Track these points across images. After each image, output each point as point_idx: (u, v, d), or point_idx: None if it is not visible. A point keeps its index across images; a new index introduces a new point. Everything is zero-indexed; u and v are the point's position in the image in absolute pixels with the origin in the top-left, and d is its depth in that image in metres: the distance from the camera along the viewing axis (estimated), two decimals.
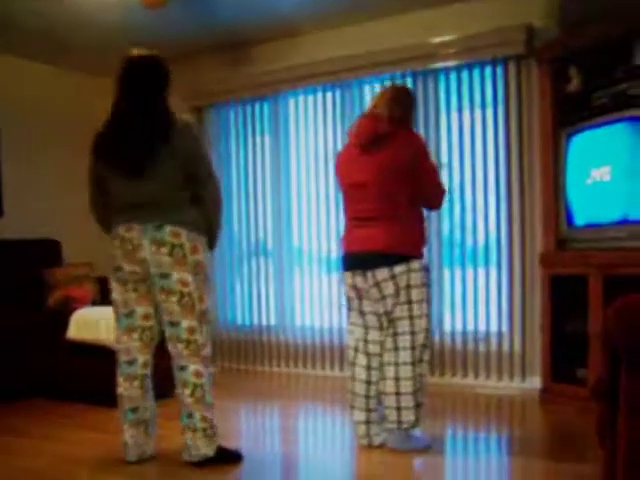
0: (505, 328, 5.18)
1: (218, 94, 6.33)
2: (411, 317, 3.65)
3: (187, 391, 3.45)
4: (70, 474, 3.46)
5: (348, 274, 3.76)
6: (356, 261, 3.70)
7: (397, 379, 3.65)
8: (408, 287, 3.61)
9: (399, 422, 3.65)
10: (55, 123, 6.57)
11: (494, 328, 5.23)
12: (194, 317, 3.44)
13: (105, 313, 4.94)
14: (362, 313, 3.79)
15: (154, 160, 3.36)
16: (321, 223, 5.96)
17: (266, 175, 6.23)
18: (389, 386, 3.67)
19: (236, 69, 6.31)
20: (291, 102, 6.11)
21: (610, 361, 2.22)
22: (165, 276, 3.39)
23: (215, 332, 6.35)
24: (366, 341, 3.79)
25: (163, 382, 3.99)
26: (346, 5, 5.36)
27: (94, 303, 5.59)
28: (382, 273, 3.59)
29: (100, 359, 4.82)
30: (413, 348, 3.66)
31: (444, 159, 5.38)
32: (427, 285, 3.72)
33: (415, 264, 3.63)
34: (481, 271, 5.30)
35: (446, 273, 5.42)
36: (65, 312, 5.26)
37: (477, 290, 5.30)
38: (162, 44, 6.10)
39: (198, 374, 3.45)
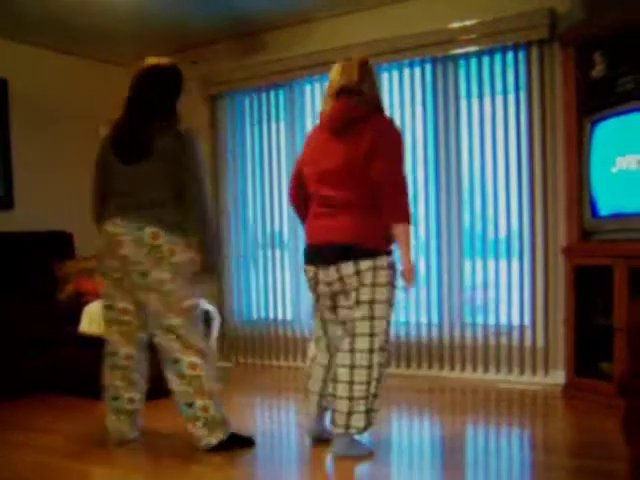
0: (527, 321, 5.06)
1: (233, 82, 6.25)
2: (372, 318, 3.43)
3: (184, 382, 3.54)
4: (80, 470, 3.42)
5: (310, 267, 3.58)
6: (319, 254, 3.51)
7: (351, 382, 3.41)
8: (373, 285, 3.40)
9: (347, 427, 3.42)
10: (67, 114, 6.51)
11: (516, 321, 5.12)
12: (179, 314, 3.52)
13: None
14: (325, 308, 3.64)
15: (147, 156, 3.52)
16: None
17: (281, 164, 6.13)
18: (341, 390, 3.44)
19: (251, 57, 6.22)
20: (307, 89, 6.01)
21: (636, 355, 2.11)
22: (144, 274, 3.50)
23: (230, 327, 6.30)
24: (325, 336, 3.68)
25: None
26: None
27: None
28: (347, 268, 3.39)
29: None
30: (371, 351, 3.43)
31: (464, 147, 5.26)
32: (392, 285, 3.49)
33: (382, 261, 3.42)
34: (503, 263, 5.17)
35: (467, 265, 5.30)
36: (75, 305, 5.21)
37: (499, 282, 5.17)
38: (176, 33, 6.08)
39: (193, 366, 3.53)
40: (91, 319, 4.96)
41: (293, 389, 5.26)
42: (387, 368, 3.64)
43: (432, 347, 5.43)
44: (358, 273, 3.38)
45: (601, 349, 4.36)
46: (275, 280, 6.22)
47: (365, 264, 3.38)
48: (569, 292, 4.63)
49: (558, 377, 4.86)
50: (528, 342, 5.05)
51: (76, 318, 5.05)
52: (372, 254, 3.39)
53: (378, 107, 3.57)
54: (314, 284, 3.59)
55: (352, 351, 3.44)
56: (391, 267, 3.47)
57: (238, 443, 3.65)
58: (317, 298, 3.67)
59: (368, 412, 3.43)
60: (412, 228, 3.54)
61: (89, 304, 5.12)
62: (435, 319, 5.42)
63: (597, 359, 4.45)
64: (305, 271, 3.65)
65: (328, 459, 3.50)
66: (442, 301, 5.38)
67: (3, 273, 5.45)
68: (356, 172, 3.39)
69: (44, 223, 6.06)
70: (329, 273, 3.46)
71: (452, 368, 5.34)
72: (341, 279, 3.43)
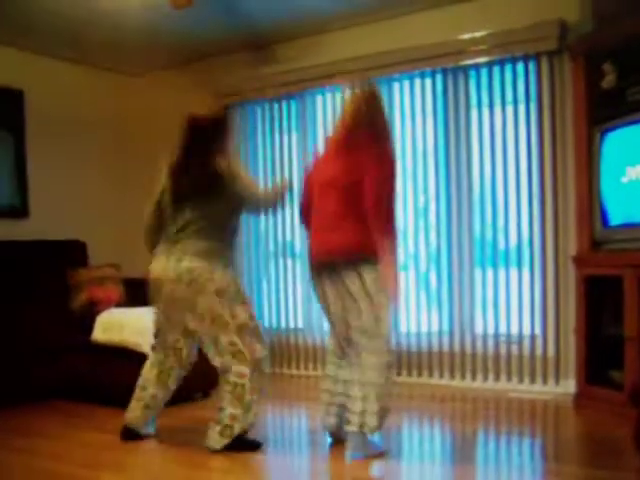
0: (538, 330, 5.06)
1: (245, 92, 6.29)
2: (378, 320, 3.58)
3: (228, 388, 3.71)
4: (90, 477, 3.43)
5: (316, 280, 3.75)
6: (323, 266, 3.66)
7: (363, 383, 3.54)
8: (378, 291, 3.56)
9: (361, 425, 3.52)
10: (81, 124, 6.57)
11: (527, 330, 5.11)
12: (232, 332, 3.71)
13: (131, 315, 4.92)
14: (330, 316, 3.78)
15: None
16: None
17: (293, 174, 6.15)
18: (354, 390, 3.58)
19: (263, 68, 6.26)
20: (318, 100, 6.04)
21: None
22: (191, 306, 3.72)
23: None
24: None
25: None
26: (374, 2, 5.29)
27: (119, 305, 5.56)
28: (349, 276, 3.55)
29: (125, 362, 4.80)
30: (380, 351, 3.57)
31: (475, 157, 5.28)
32: (382, 294, 3.60)
33: (369, 271, 3.56)
34: (513, 272, 5.18)
35: (478, 274, 5.31)
36: (88, 314, 5.25)
37: (509, 291, 5.18)
38: (189, 43, 6.13)
39: (241, 375, 3.69)
40: (104, 327, 5.00)
41: (304, 397, 5.27)
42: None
43: (443, 356, 5.43)
44: (360, 276, 3.53)
45: (612, 358, 4.36)
46: (287, 289, 6.24)
47: (367, 270, 3.53)
48: (579, 301, 4.63)
49: (569, 386, 4.85)
50: (539, 351, 5.05)
51: (89, 326, 5.09)
52: (374, 261, 3.53)
53: (382, 134, 3.70)
54: (321, 295, 3.75)
55: (363, 352, 3.57)
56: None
57: (243, 446, 3.74)
58: (324, 306, 3.79)
59: (381, 411, 3.52)
60: (394, 245, 3.65)
61: (102, 312, 5.16)
62: (446, 328, 5.43)
63: (608, 368, 4.44)
64: (310, 284, 3.85)
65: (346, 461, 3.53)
66: (453, 310, 5.39)
67: (17, 281, 5.49)
68: (353, 190, 3.54)
69: (58, 232, 6.11)
70: (335, 284, 3.63)
71: (463, 377, 5.34)
72: (346, 288, 3.58)
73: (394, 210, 3.65)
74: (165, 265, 3.75)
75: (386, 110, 3.82)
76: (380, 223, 3.51)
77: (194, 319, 3.76)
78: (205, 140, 3.88)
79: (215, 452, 3.68)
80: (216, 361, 3.76)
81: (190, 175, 3.81)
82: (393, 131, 4.17)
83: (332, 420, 3.80)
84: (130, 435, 4.01)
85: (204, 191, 3.76)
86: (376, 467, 3.49)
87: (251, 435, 3.82)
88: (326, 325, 4.04)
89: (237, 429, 3.69)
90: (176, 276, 3.70)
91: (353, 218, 3.55)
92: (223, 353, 3.72)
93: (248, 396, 3.69)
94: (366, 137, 3.60)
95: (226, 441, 3.69)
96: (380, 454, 3.62)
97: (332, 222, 3.60)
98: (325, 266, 3.64)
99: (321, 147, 3.94)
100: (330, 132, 3.84)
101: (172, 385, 4.05)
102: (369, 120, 3.64)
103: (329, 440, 3.89)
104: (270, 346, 6.13)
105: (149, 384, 4.01)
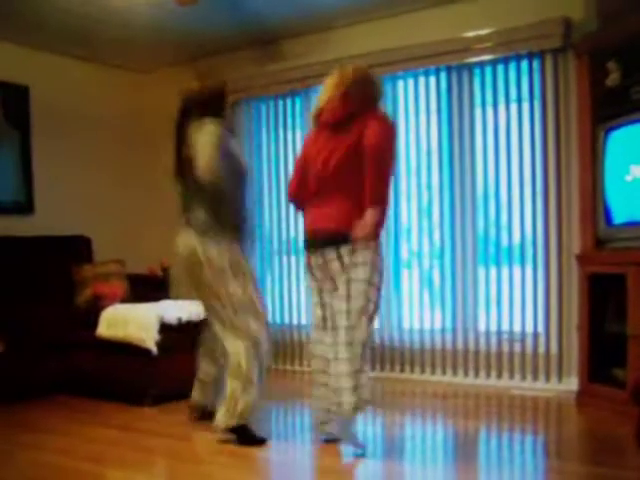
0: (541, 328, 5.07)
1: (251, 89, 6.30)
2: (349, 297, 3.55)
3: (228, 364, 3.82)
4: (94, 472, 3.46)
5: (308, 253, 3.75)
6: (314, 240, 3.67)
7: (336, 360, 3.55)
8: (348, 281, 3.55)
9: (339, 404, 3.53)
10: (86, 120, 6.59)
11: (529, 328, 5.12)
12: (229, 308, 3.78)
13: (135, 311, 4.93)
14: (321, 293, 3.75)
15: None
16: None
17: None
18: (331, 368, 3.61)
19: (268, 64, 6.27)
20: None
21: None
22: (198, 283, 3.87)
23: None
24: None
25: None
26: None
27: (124, 300, 5.58)
28: (330, 252, 3.56)
29: (129, 357, 4.83)
30: (351, 328, 3.54)
31: (479, 155, 5.29)
32: (369, 282, 3.58)
33: (362, 257, 3.54)
34: (516, 270, 5.19)
35: (481, 271, 5.33)
36: (93, 309, 5.27)
37: (512, 289, 5.19)
38: (196, 40, 6.13)
39: (237, 351, 3.76)
40: (108, 323, 5.01)
41: (307, 394, 5.28)
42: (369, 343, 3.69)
43: (446, 353, 5.44)
44: (340, 257, 3.54)
45: (614, 356, 4.36)
46: (290, 285, 6.26)
47: (345, 248, 3.52)
48: (583, 299, 4.63)
49: (571, 384, 4.86)
50: (541, 349, 5.06)
51: (94, 322, 5.10)
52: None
53: (370, 103, 3.68)
54: (312, 270, 3.75)
55: (335, 329, 3.62)
56: (373, 264, 3.57)
57: (248, 439, 3.78)
58: (314, 280, 3.77)
59: (356, 388, 3.50)
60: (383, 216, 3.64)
61: (106, 308, 5.18)
62: (449, 325, 5.44)
63: (610, 366, 4.44)
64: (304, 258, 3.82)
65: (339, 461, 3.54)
66: (456, 307, 5.40)
67: (23, 277, 5.51)
68: (344, 157, 3.54)
69: (63, 228, 6.12)
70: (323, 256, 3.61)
71: (466, 374, 5.35)
72: (325, 263, 3.60)
73: (391, 172, 3.65)
74: (180, 242, 3.88)
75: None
76: (378, 168, 3.48)
77: (202, 295, 3.90)
78: (191, 111, 3.93)
79: (222, 431, 3.75)
80: (220, 337, 3.87)
81: (180, 147, 3.88)
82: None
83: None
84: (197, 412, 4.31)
85: (189, 163, 3.78)
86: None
87: (255, 429, 3.84)
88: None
89: (241, 404, 3.71)
90: (186, 254, 3.83)
91: (347, 195, 3.55)
92: (224, 329, 3.83)
93: (246, 371, 3.73)
94: (352, 107, 3.59)
95: (228, 421, 3.72)
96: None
97: (328, 199, 3.62)
98: (320, 243, 3.64)
99: (311, 130, 3.91)
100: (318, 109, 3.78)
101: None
102: (362, 89, 3.65)
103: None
104: (275, 342, 6.23)
105: (202, 361, 4.28)
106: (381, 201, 3.55)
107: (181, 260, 3.88)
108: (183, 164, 3.85)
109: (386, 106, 5.52)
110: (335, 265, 3.56)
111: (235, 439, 3.76)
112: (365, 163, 3.47)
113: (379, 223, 3.57)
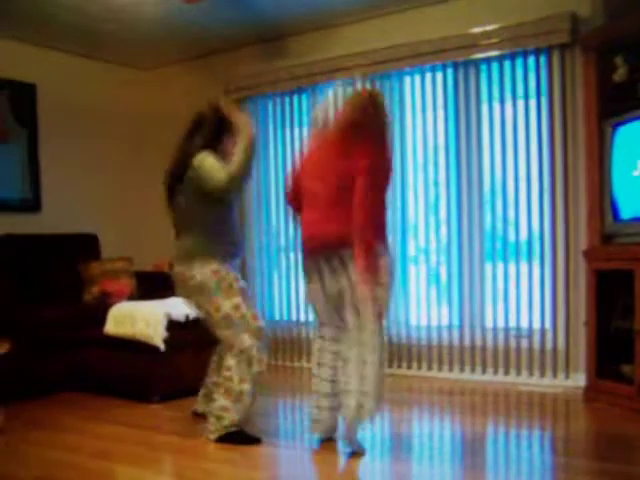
0: (548, 324, 5.07)
1: (256, 86, 6.31)
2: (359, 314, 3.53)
3: (220, 379, 3.85)
4: (102, 469, 3.48)
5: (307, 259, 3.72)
6: (314, 245, 3.64)
7: (345, 365, 3.55)
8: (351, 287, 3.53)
9: (347, 407, 3.51)
10: (93, 118, 6.61)
11: (537, 324, 5.12)
12: (219, 324, 3.84)
13: (142, 308, 4.94)
14: (325, 296, 3.70)
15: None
16: None
17: None
18: (339, 374, 3.61)
19: (274, 61, 6.27)
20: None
21: None
22: (190, 303, 4.04)
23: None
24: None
25: None
26: None
27: (131, 298, 5.60)
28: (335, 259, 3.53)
29: (137, 354, 4.84)
30: (364, 344, 3.52)
31: (486, 151, 5.28)
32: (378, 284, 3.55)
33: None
34: (524, 266, 5.18)
35: (488, 268, 5.32)
36: (101, 307, 5.28)
37: (519, 285, 5.18)
38: (201, 38, 6.14)
39: (227, 366, 3.79)
40: (116, 320, 5.02)
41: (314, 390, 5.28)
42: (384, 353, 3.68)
43: (453, 350, 5.44)
44: (342, 263, 3.50)
45: (622, 352, 4.35)
46: (297, 282, 6.26)
47: (347, 254, 3.47)
48: (590, 295, 4.62)
49: (579, 380, 4.85)
50: (549, 345, 5.06)
51: (101, 319, 5.12)
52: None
53: (377, 131, 3.67)
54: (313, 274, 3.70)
55: (346, 332, 3.60)
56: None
57: (241, 440, 3.77)
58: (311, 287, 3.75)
59: (362, 394, 3.48)
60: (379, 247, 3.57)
61: (114, 305, 5.19)
62: (456, 322, 5.44)
63: (618, 362, 4.44)
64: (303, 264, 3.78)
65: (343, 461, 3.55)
66: (463, 304, 5.40)
67: (30, 275, 5.53)
68: (346, 187, 3.49)
69: (70, 225, 6.15)
70: (330, 263, 3.57)
71: (473, 371, 5.35)
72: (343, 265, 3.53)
73: (383, 208, 3.61)
74: (173, 270, 4.00)
75: (387, 114, 3.78)
76: (361, 214, 3.44)
77: (199, 313, 4.02)
78: (187, 136, 3.95)
79: (214, 442, 3.77)
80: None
81: (168, 173, 3.93)
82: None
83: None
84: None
85: (174, 187, 3.88)
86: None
87: (256, 426, 3.88)
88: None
89: (227, 420, 3.74)
90: (176, 278, 3.96)
91: (344, 208, 3.50)
92: (219, 345, 4.05)
93: (236, 387, 3.74)
94: (363, 136, 3.57)
95: (218, 433, 3.76)
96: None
97: (324, 211, 3.58)
98: (319, 253, 3.61)
99: (313, 140, 3.92)
100: (325, 125, 3.82)
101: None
102: (367, 120, 3.62)
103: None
104: (279, 339, 6.25)
105: (211, 373, 4.33)
106: (367, 246, 3.44)
107: (175, 283, 3.99)
108: (174, 186, 3.89)
109: (392, 103, 5.55)
110: (338, 270, 3.54)
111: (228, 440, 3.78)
112: (353, 204, 3.46)
113: (375, 236, 3.51)
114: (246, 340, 3.78)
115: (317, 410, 3.75)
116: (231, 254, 3.92)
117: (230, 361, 3.78)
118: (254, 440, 3.80)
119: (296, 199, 3.85)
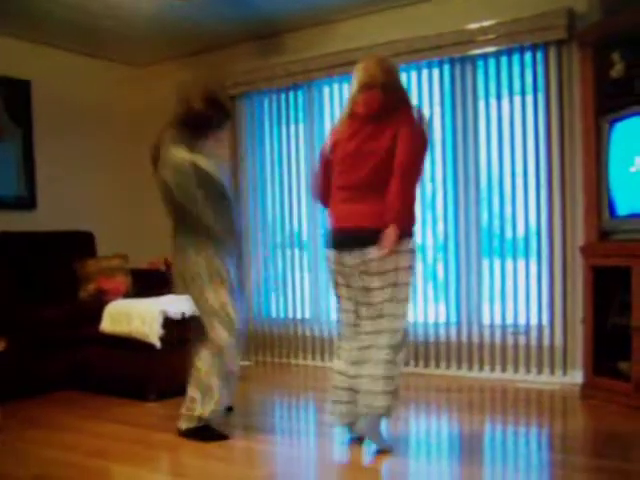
0: (545, 321, 5.06)
1: (252, 83, 6.29)
2: (395, 300, 3.53)
3: (194, 371, 3.85)
4: (99, 467, 3.47)
5: (332, 251, 3.64)
6: (345, 238, 3.56)
7: (376, 361, 3.51)
8: (396, 269, 3.48)
9: (370, 406, 3.49)
10: (88, 115, 6.58)
11: (534, 321, 5.11)
12: (204, 315, 3.85)
13: (139, 306, 4.93)
14: (348, 294, 3.67)
15: None
16: None
17: (300, 164, 6.16)
18: (365, 369, 3.55)
19: (270, 58, 6.26)
20: (325, 90, 6.04)
21: None
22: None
23: (248, 325, 6.32)
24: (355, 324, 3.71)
25: None
26: None
27: (127, 295, 5.58)
28: (370, 252, 3.45)
29: (133, 352, 4.83)
30: (394, 331, 3.54)
31: (483, 147, 5.27)
32: (412, 268, 3.59)
33: (404, 245, 3.48)
34: (521, 262, 5.17)
35: (485, 264, 5.31)
36: (97, 304, 5.26)
37: (517, 282, 5.18)
38: (196, 35, 6.12)
39: (202, 358, 3.82)
40: (112, 318, 5.01)
41: (311, 387, 5.29)
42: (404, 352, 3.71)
43: (450, 346, 5.44)
44: (381, 257, 3.43)
45: (619, 349, 4.35)
46: (294, 279, 6.25)
47: (376, 249, 3.43)
48: (587, 292, 4.62)
49: (576, 377, 4.85)
50: (546, 342, 5.05)
51: (97, 317, 5.10)
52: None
53: (405, 100, 3.63)
54: (336, 267, 3.64)
55: (376, 332, 3.54)
56: (410, 251, 3.53)
57: (207, 436, 3.79)
58: (337, 281, 3.69)
59: (388, 393, 3.48)
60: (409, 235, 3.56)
61: (110, 303, 5.18)
62: (453, 318, 5.44)
63: (615, 359, 4.43)
64: (328, 255, 3.69)
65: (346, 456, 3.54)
66: (460, 300, 5.39)
67: (25, 272, 5.51)
68: (381, 160, 3.45)
69: (66, 223, 6.13)
70: (353, 257, 3.51)
71: (470, 367, 5.35)
72: (364, 262, 3.48)
73: (417, 183, 3.55)
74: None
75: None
76: (406, 181, 3.42)
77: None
78: (174, 131, 3.94)
79: (182, 434, 3.82)
80: None
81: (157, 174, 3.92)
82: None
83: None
84: None
85: (162, 186, 3.86)
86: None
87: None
88: (336, 314, 3.89)
89: (196, 412, 3.77)
90: (173, 271, 3.99)
91: (381, 194, 3.45)
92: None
93: (205, 380, 3.77)
94: (389, 101, 3.51)
95: (187, 425, 3.80)
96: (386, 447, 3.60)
97: (357, 194, 3.53)
98: (349, 238, 3.54)
99: (338, 126, 3.77)
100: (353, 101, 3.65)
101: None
102: (392, 82, 3.57)
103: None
104: (276, 336, 6.25)
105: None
106: (400, 220, 3.42)
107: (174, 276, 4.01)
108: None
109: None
110: (364, 266, 3.49)
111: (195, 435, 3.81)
112: (392, 176, 3.42)
113: (407, 225, 3.50)
114: (225, 337, 3.79)
115: (337, 405, 3.70)
116: (227, 249, 3.90)
117: (204, 352, 3.81)
118: (220, 437, 3.81)
119: (326, 190, 3.74)
